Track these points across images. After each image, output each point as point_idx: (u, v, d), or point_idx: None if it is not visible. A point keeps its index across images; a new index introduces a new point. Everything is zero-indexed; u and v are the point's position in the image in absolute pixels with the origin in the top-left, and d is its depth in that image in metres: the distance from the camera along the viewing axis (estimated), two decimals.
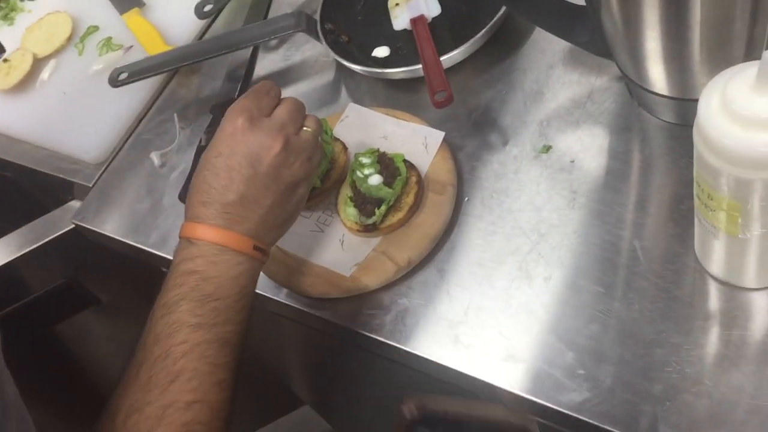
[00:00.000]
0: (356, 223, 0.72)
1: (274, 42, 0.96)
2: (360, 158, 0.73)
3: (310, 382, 1.25)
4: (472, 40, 0.79)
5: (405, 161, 0.73)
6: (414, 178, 0.72)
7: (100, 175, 0.92)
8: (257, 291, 0.75)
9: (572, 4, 0.72)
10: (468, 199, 0.73)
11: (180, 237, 0.62)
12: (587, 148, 0.72)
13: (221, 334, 0.57)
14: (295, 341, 1.02)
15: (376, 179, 0.71)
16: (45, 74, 1.02)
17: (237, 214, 0.61)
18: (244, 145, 0.61)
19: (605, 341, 0.61)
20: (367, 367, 0.90)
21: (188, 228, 0.61)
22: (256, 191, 0.61)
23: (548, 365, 0.62)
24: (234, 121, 0.62)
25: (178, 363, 0.55)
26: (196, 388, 0.54)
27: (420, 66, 0.80)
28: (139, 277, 1.06)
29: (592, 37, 0.70)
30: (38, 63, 1.03)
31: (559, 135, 0.74)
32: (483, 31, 0.79)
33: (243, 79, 0.93)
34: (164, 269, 0.90)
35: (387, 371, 0.87)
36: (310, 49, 0.94)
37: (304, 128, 0.65)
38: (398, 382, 0.90)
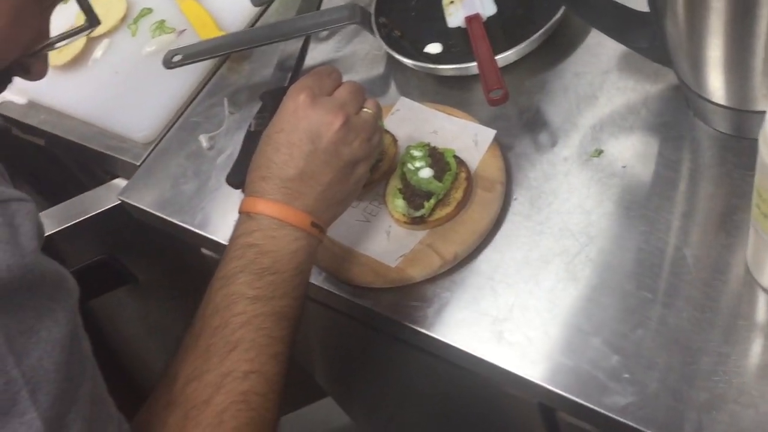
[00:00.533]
0: (404, 215, 0.72)
1: (324, 33, 0.97)
2: (411, 151, 0.73)
3: (334, 372, 1.26)
4: (527, 41, 0.80)
5: (455, 157, 0.73)
6: (463, 174, 0.73)
7: (148, 155, 0.93)
8: None
9: (633, 9, 0.72)
10: (516, 199, 0.73)
11: (240, 212, 0.63)
12: (640, 154, 0.72)
13: (278, 307, 0.58)
14: (324, 330, 1.03)
15: (426, 172, 0.71)
16: (98, 53, 1.04)
17: (296, 189, 0.61)
18: (305, 120, 0.62)
19: (652, 347, 0.61)
20: (399, 361, 0.91)
21: (248, 202, 0.62)
22: (315, 167, 0.62)
23: (592, 367, 0.62)
24: (296, 98, 0.63)
25: (236, 333, 0.56)
26: (253, 358, 0.55)
27: (472, 64, 0.80)
28: (177, 259, 1.07)
29: (653, 43, 0.70)
30: (91, 42, 1.05)
31: (611, 140, 0.74)
32: (539, 32, 0.79)
33: (294, 68, 0.93)
34: (204, 250, 0.91)
35: (419, 365, 0.88)
36: (360, 42, 0.95)
37: (365, 109, 0.66)
38: (430, 377, 0.90)
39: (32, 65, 0.64)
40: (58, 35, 0.66)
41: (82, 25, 0.66)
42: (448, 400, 0.97)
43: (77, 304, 0.49)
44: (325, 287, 0.75)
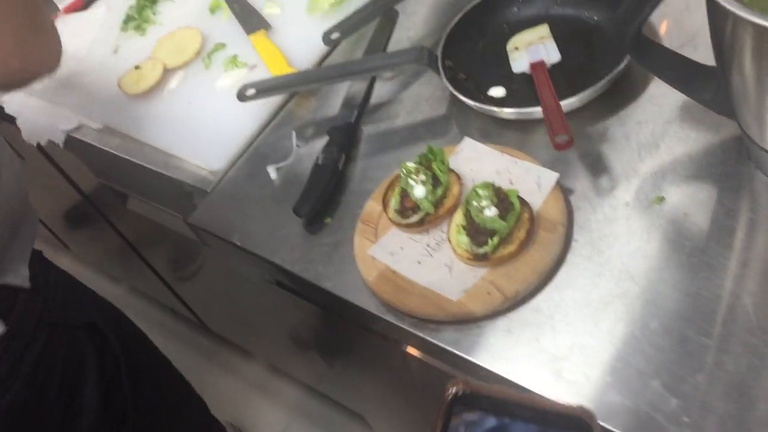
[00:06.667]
0: (467, 251, 0.74)
1: (389, 73, 1.01)
2: (477, 190, 0.76)
3: (384, 405, 1.28)
4: (590, 89, 0.82)
5: (519, 197, 0.76)
6: (526, 215, 0.75)
7: (218, 183, 0.97)
8: (359, 306, 0.79)
9: (698, 63, 0.74)
10: (577, 240, 0.75)
11: None
12: (700, 202, 0.74)
13: None
14: (378, 362, 1.05)
15: (492, 211, 0.74)
16: (173, 84, 1.09)
17: None
18: None
19: (711, 392, 0.62)
20: None
21: None
22: None
23: (652, 409, 0.63)
24: None
25: None
26: None
27: (535, 109, 0.83)
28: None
29: (716, 95, 0.72)
30: (167, 73, 1.11)
31: (673, 187, 0.75)
32: (602, 82, 0.82)
33: (360, 105, 0.97)
34: (267, 277, 0.94)
35: None
36: (423, 82, 0.98)
37: None
38: None
39: None
40: None
41: None
42: None
43: None
44: (386, 318, 0.77)
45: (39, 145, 1.19)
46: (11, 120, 1.21)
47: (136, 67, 1.11)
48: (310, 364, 1.60)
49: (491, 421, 0.37)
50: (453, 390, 0.37)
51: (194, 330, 1.97)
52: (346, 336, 1.09)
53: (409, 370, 0.95)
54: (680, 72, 0.74)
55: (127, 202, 1.33)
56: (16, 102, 1.22)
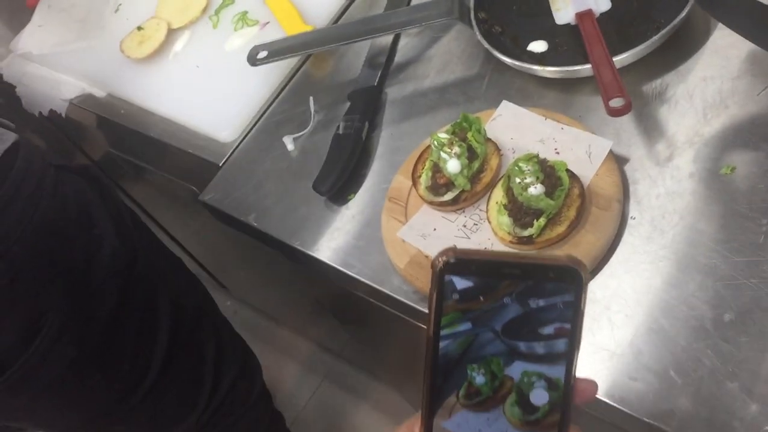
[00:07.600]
0: (509, 233, 0.66)
1: (414, 29, 0.91)
2: (520, 164, 0.67)
3: (411, 376, 1.21)
4: (646, 43, 0.72)
5: (567, 171, 0.67)
6: (576, 191, 0.66)
7: (230, 155, 0.89)
8: (392, 295, 0.71)
9: None
10: (635, 218, 0.66)
11: None
12: None
13: None
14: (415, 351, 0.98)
15: (538, 189, 0.65)
16: (178, 46, 1.00)
17: None
18: None
19: None
20: None
21: None
22: None
23: (729, 415, 0.55)
24: None
25: None
26: None
27: (583, 66, 0.73)
28: None
29: None
30: (172, 33, 1.02)
31: (745, 155, 0.66)
32: (661, 33, 0.72)
33: (384, 66, 0.88)
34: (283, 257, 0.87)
35: None
36: (454, 37, 0.89)
37: None
38: None
39: None
40: None
41: None
42: None
43: None
44: (420, 308, 0.69)
45: (41, 114, 1.11)
46: (11, 89, 1.13)
47: (139, 28, 1.02)
48: (333, 331, 1.54)
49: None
50: (443, 259, 0.36)
51: (217, 291, 1.92)
52: (370, 312, 1.03)
53: None
54: (757, 22, 0.63)
55: (138, 170, 1.25)
56: (14, 68, 1.14)
